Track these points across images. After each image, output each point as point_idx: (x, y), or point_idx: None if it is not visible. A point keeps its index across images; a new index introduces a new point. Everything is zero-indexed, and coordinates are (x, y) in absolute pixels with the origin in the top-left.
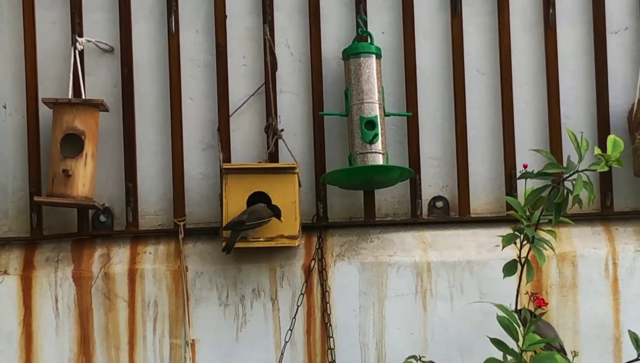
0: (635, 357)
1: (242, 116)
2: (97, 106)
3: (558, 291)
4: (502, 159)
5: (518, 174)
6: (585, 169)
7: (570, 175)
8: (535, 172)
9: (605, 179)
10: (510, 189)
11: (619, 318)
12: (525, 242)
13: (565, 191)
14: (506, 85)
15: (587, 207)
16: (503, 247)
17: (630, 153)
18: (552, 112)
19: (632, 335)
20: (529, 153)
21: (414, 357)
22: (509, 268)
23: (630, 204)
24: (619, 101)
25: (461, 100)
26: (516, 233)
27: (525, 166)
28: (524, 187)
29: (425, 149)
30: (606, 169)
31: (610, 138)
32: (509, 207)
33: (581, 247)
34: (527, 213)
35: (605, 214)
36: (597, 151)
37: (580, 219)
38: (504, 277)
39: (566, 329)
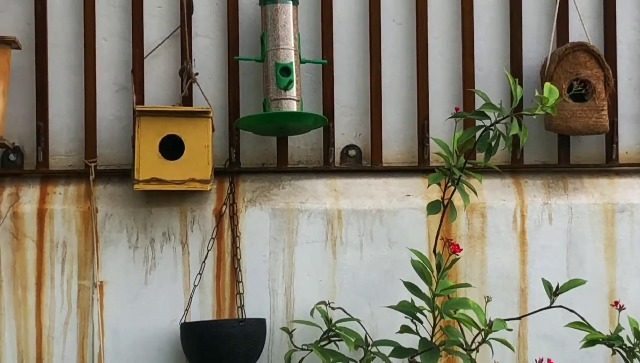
0: (540, 306)
1: (157, 58)
2: (9, 43)
3: (467, 242)
4: (415, 110)
5: (431, 124)
6: (522, 113)
7: (504, 118)
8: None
9: (516, 136)
10: (423, 140)
11: (525, 269)
12: (449, 184)
13: (498, 133)
14: (421, 36)
15: (498, 159)
16: (429, 185)
17: None
18: (466, 64)
19: (546, 284)
20: (441, 104)
21: (324, 302)
22: (433, 207)
23: (539, 158)
24: (532, 55)
25: (376, 49)
26: (442, 173)
27: (457, 109)
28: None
29: (339, 98)
30: (542, 113)
31: (547, 85)
32: (421, 158)
33: (490, 199)
34: (455, 155)
35: (514, 167)
36: (538, 93)
37: (491, 171)
38: (427, 215)
39: (473, 279)
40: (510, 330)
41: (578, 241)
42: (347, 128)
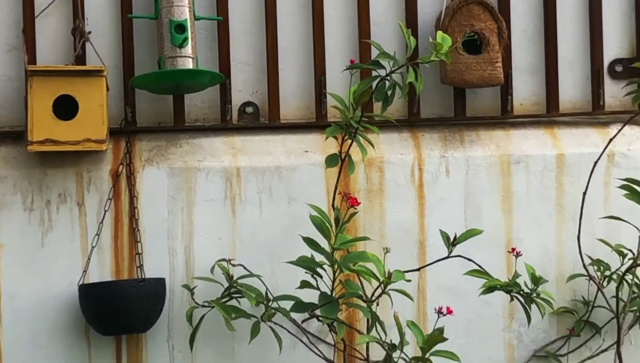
0: (438, 258)
1: (48, 17)
2: None
3: (365, 196)
4: (312, 66)
5: (328, 80)
6: (417, 62)
7: (400, 67)
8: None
9: (412, 86)
10: (320, 96)
11: (423, 222)
12: (346, 138)
13: (394, 83)
14: None
15: (395, 113)
16: (326, 138)
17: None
18: (362, 20)
19: (444, 234)
20: (338, 60)
21: (224, 260)
22: (331, 160)
23: (436, 111)
24: (427, 9)
25: (272, 6)
26: (339, 127)
27: (352, 61)
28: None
29: (235, 55)
30: (437, 60)
31: (439, 34)
32: (319, 114)
33: (388, 153)
34: (352, 108)
35: (412, 121)
36: (433, 40)
37: (388, 125)
38: (326, 168)
39: (373, 234)
40: (409, 281)
41: (475, 193)
42: (244, 85)
